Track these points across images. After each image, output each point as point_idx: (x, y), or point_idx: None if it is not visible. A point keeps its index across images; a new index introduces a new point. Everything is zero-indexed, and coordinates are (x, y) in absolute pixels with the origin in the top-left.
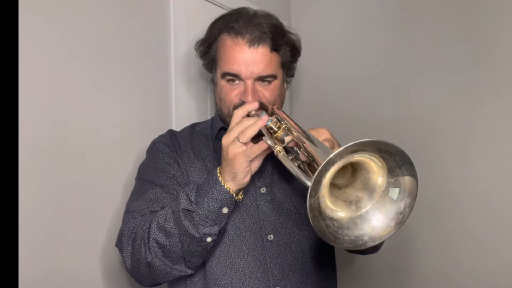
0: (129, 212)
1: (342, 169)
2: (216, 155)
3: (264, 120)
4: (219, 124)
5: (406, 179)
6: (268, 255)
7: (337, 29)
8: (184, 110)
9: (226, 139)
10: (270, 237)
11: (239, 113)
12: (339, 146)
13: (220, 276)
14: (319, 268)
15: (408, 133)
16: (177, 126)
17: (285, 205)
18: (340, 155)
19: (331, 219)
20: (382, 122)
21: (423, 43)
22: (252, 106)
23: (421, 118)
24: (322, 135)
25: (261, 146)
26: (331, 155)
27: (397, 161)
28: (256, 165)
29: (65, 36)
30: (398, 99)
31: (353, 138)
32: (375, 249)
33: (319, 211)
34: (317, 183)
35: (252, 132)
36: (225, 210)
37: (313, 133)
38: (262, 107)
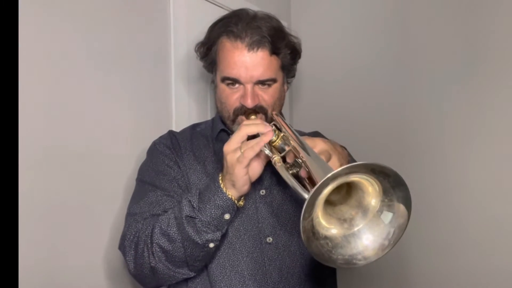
0: (131, 215)
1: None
2: (216, 157)
3: (268, 136)
4: (220, 125)
5: (401, 208)
6: (267, 258)
7: (337, 29)
8: (184, 111)
9: (227, 147)
10: (269, 239)
11: (245, 131)
12: (337, 148)
13: (220, 278)
14: (318, 271)
15: (409, 135)
16: (177, 127)
17: (284, 207)
18: (333, 178)
19: (325, 238)
20: (382, 122)
21: (424, 43)
22: (266, 137)
23: (422, 119)
24: (317, 145)
25: (255, 148)
26: (324, 179)
27: (391, 182)
28: (255, 173)
29: (65, 36)
30: (399, 99)
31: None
32: None
33: (312, 232)
34: (311, 205)
35: (254, 152)
36: (227, 216)
37: (309, 143)
38: (261, 111)
